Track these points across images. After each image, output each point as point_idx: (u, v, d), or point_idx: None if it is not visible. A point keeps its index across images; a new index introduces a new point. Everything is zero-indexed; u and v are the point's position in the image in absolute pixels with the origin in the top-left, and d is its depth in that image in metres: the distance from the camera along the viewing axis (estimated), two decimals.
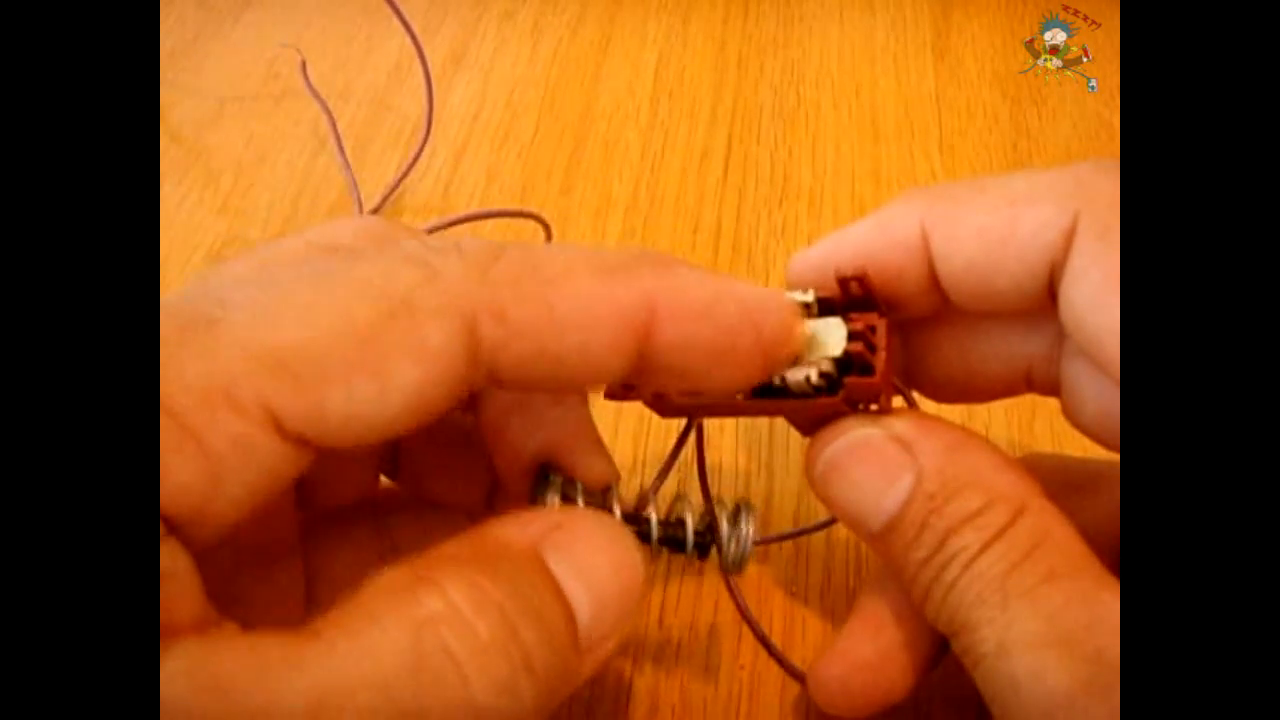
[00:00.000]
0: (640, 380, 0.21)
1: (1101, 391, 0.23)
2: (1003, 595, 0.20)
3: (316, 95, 0.46)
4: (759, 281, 0.39)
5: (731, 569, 0.25)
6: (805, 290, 0.23)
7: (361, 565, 0.18)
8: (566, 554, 0.19)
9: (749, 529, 0.24)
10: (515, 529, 0.19)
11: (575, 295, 0.19)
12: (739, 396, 0.23)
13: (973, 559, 0.20)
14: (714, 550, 0.24)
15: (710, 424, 0.34)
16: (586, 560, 0.19)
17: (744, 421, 0.34)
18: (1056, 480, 0.23)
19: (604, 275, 0.20)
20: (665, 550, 0.24)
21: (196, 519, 0.17)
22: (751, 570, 0.30)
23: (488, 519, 0.20)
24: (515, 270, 0.19)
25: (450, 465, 0.26)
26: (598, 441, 0.24)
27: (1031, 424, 0.34)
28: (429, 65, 0.44)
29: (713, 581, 0.30)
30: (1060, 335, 0.23)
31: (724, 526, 0.24)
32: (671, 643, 0.29)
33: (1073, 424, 0.24)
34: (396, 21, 0.44)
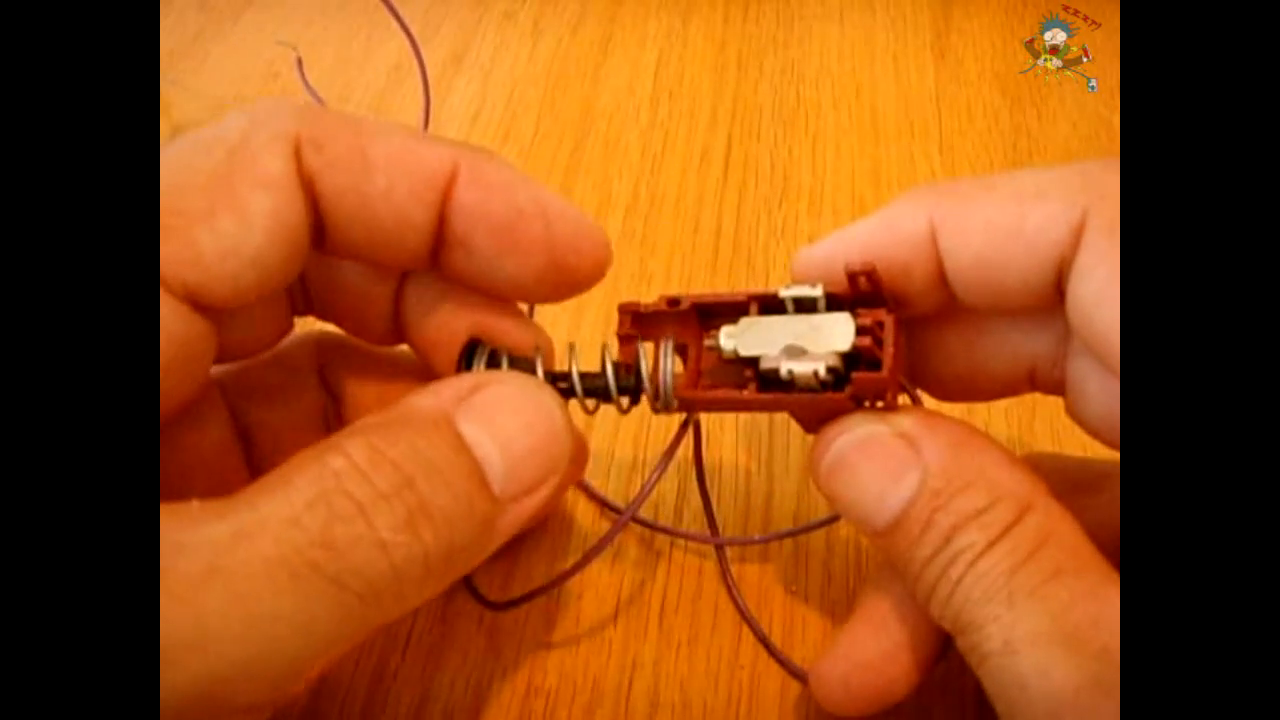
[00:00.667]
0: (443, 263, 0.23)
1: (1106, 389, 0.23)
2: (1008, 593, 0.20)
3: (313, 93, 0.46)
4: (759, 282, 0.39)
5: (657, 406, 0.24)
6: (814, 285, 0.23)
7: (303, 427, 0.21)
8: (478, 415, 0.21)
9: (668, 361, 0.24)
10: (430, 397, 0.21)
11: (387, 144, 0.22)
12: (745, 390, 0.23)
13: (978, 556, 0.20)
14: (643, 395, 0.24)
15: (710, 423, 0.34)
16: (497, 420, 0.21)
17: (744, 420, 0.34)
18: (1058, 480, 0.23)
19: (415, 138, 0.22)
20: (597, 401, 0.24)
21: None
22: (752, 570, 0.30)
23: (413, 389, 0.22)
24: (335, 118, 0.22)
25: (354, 301, 0.26)
26: (521, 314, 0.26)
27: (1032, 423, 0.34)
28: (426, 66, 0.44)
29: (713, 581, 0.30)
30: (1065, 334, 0.23)
31: (645, 366, 0.24)
32: (671, 643, 0.29)
33: (1077, 422, 0.24)
34: (395, 22, 0.44)
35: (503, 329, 0.25)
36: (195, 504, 0.18)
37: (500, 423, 0.21)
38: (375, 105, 0.47)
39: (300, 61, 0.47)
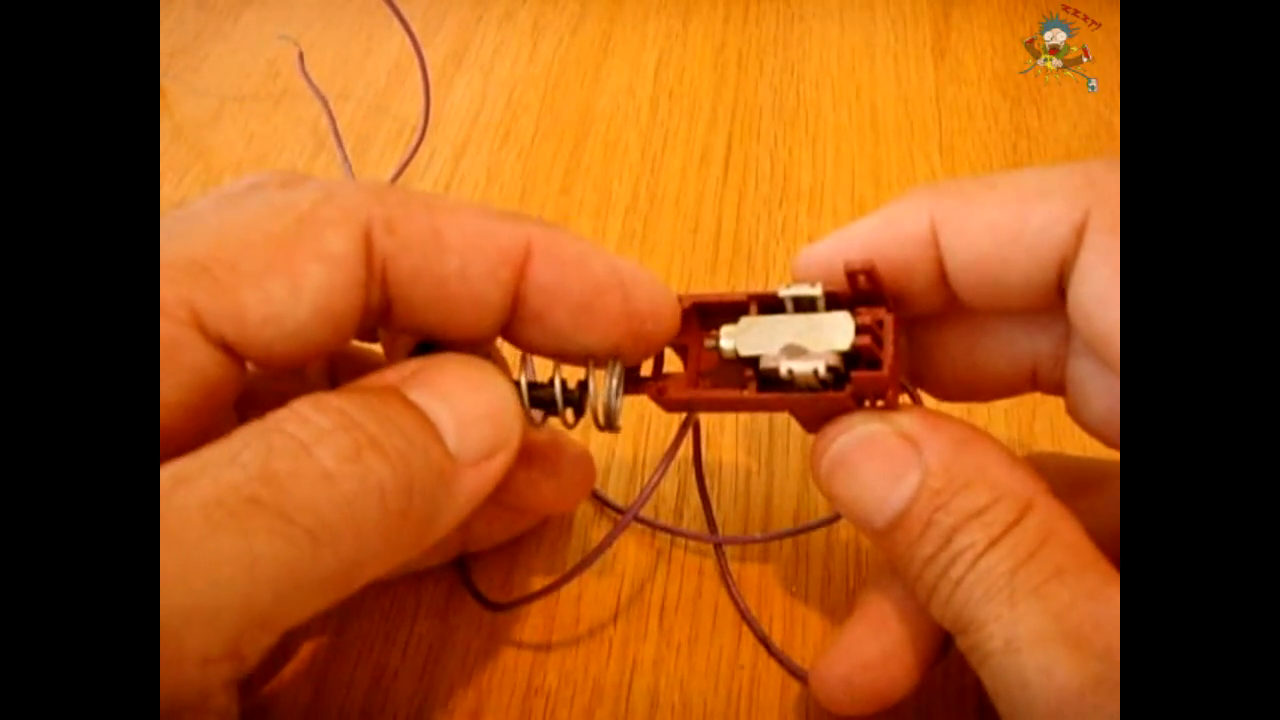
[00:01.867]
0: (515, 333, 0.23)
1: (1108, 390, 0.23)
2: (1010, 592, 0.20)
3: (315, 89, 0.46)
4: (759, 282, 0.39)
5: (601, 423, 0.24)
6: (813, 284, 0.23)
7: None
8: (426, 385, 0.21)
9: (615, 381, 0.24)
10: (375, 376, 0.21)
11: (459, 223, 0.21)
12: (745, 390, 0.23)
13: (979, 555, 0.20)
14: (588, 409, 0.24)
15: (710, 423, 0.34)
16: (446, 387, 0.21)
17: (744, 421, 0.34)
18: (1059, 479, 0.23)
19: (487, 216, 0.22)
20: (544, 413, 0.24)
21: None
22: (752, 570, 0.30)
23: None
24: (407, 196, 0.21)
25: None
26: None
27: (1032, 423, 0.34)
28: (427, 65, 0.44)
29: (713, 582, 0.30)
30: (1066, 334, 0.23)
31: (592, 382, 0.24)
32: (671, 643, 0.29)
33: (1078, 422, 0.24)
34: (396, 21, 0.44)
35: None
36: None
37: (447, 387, 0.21)
38: (376, 104, 0.47)
39: (301, 56, 0.47)
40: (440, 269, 0.21)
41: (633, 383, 0.24)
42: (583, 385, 0.24)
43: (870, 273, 0.22)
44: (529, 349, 0.24)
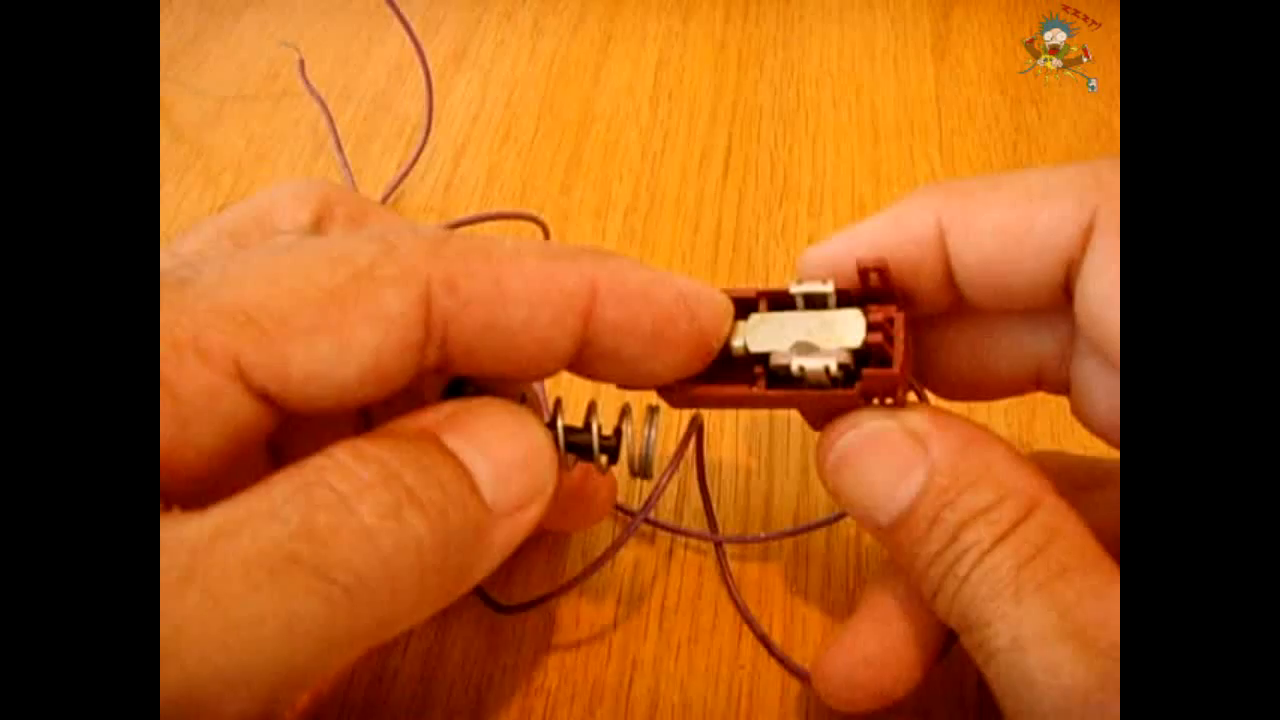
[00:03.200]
0: (581, 367, 0.22)
1: (1113, 390, 0.23)
2: (1015, 590, 0.20)
3: (316, 94, 0.46)
4: (759, 282, 0.39)
5: (636, 470, 0.24)
6: (825, 281, 0.23)
7: None
8: (461, 431, 0.20)
9: (653, 431, 0.24)
10: (410, 419, 0.21)
11: (522, 272, 0.20)
12: (754, 387, 0.23)
13: (985, 553, 0.20)
14: (623, 455, 0.24)
15: (711, 422, 0.34)
16: (482, 434, 0.20)
17: (744, 421, 0.34)
18: (1061, 479, 0.23)
19: (549, 258, 0.21)
20: (577, 458, 0.24)
21: (169, 469, 0.18)
22: (752, 570, 0.30)
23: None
24: (466, 248, 0.20)
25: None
26: None
27: (1032, 423, 0.34)
28: (429, 65, 0.44)
29: (713, 581, 0.30)
30: (1072, 334, 0.23)
31: (628, 429, 0.24)
32: (671, 643, 0.29)
33: (1082, 422, 0.24)
34: (396, 21, 0.44)
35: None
36: (177, 510, 0.17)
37: (483, 435, 0.20)
38: (376, 104, 0.47)
39: (302, 63, 0.47)
40: (505, 322, 0.20)
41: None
42: (618, 432, 0.24)
43: (882, 270, 0.22)
44: (596, 379, 0.23)
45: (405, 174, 0.43)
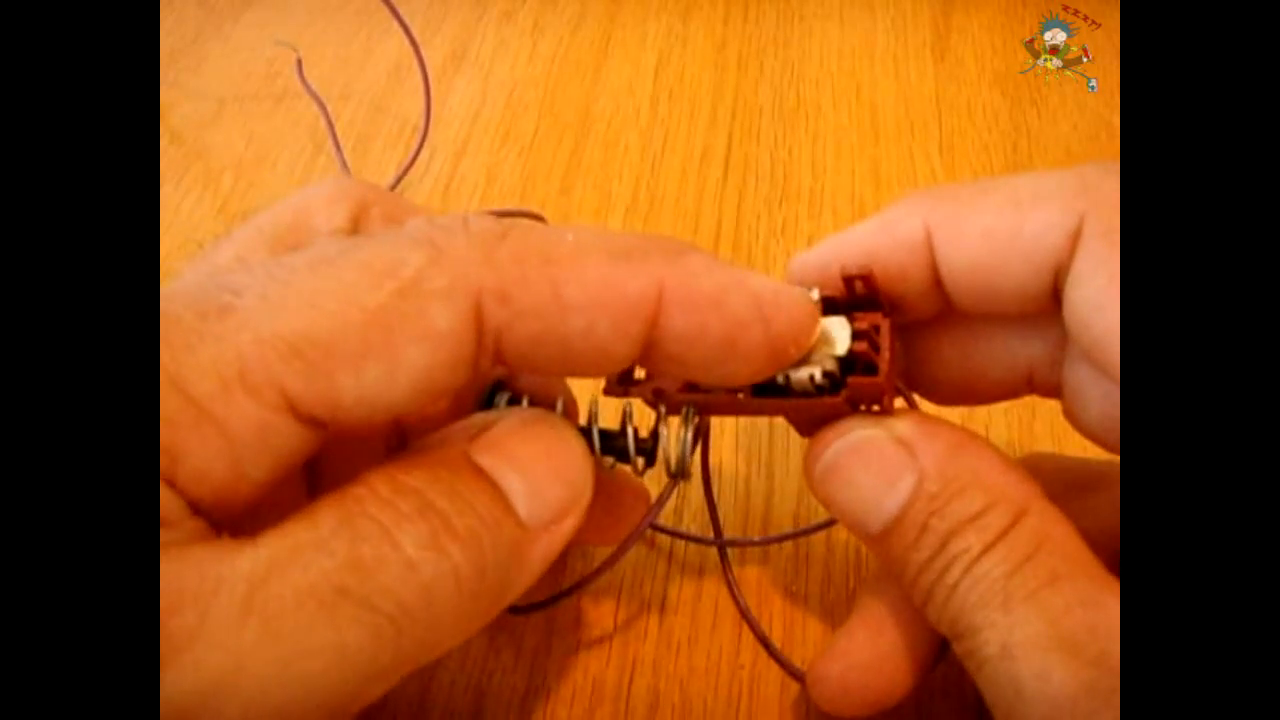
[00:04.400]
0: (646, 369, 0.22)
1: (1104, 394, 0.23)
2: (1005, 597, 0.20)
3: (314, 94, 0.46)
4: None
5: (674, 472, 0.24)
6: (810, 289, 0.23)
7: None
8: (495, 448, 0.20)
9: (690, 433, 0.24)
10: (445, 435, 0.21)
11: (582, 279, 0.19)
12: (740, 394, 0.23)
13: (974, 561, 0.20)
14: (660, 457, 0.24)
15: (711, 424, 0.34)
16: (516, 450, 0.20)
17: (744, 422, 0.34)
18: (1058, 481, 0.23)
19: (612, 260, 0.19)
20: (614, 460, 0.24)
21: (221, 503, 0.17)
22: (751, 570, 0.30)
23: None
24: (521, 250, 0.19)
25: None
26: None
27: (1031, 424, 0.34)
28: (427, 65, 0.44)
29: (713, 582, 0.30)
30: (1062, 338, 0.23)
31: (664, 431, 0.24)
32: (671, 643, 0.29)
33: (1075, 426, 0.24)
34: (396, 21, 0.44)
35: (528, 380, 0.25)
36: (226, 539, 0.17)
37: (516, 451, 0.20)
38: (375, 105, 0.47)
39: (300, 63, 0.47)
40: (562, 331, 0.19)
41: (627, 384, 0.24)
42: (655, 435, 0.24)
43: (867, 278, 0.22)
44: (660, 375, 0.23)
45: (404, 174, 0.43)
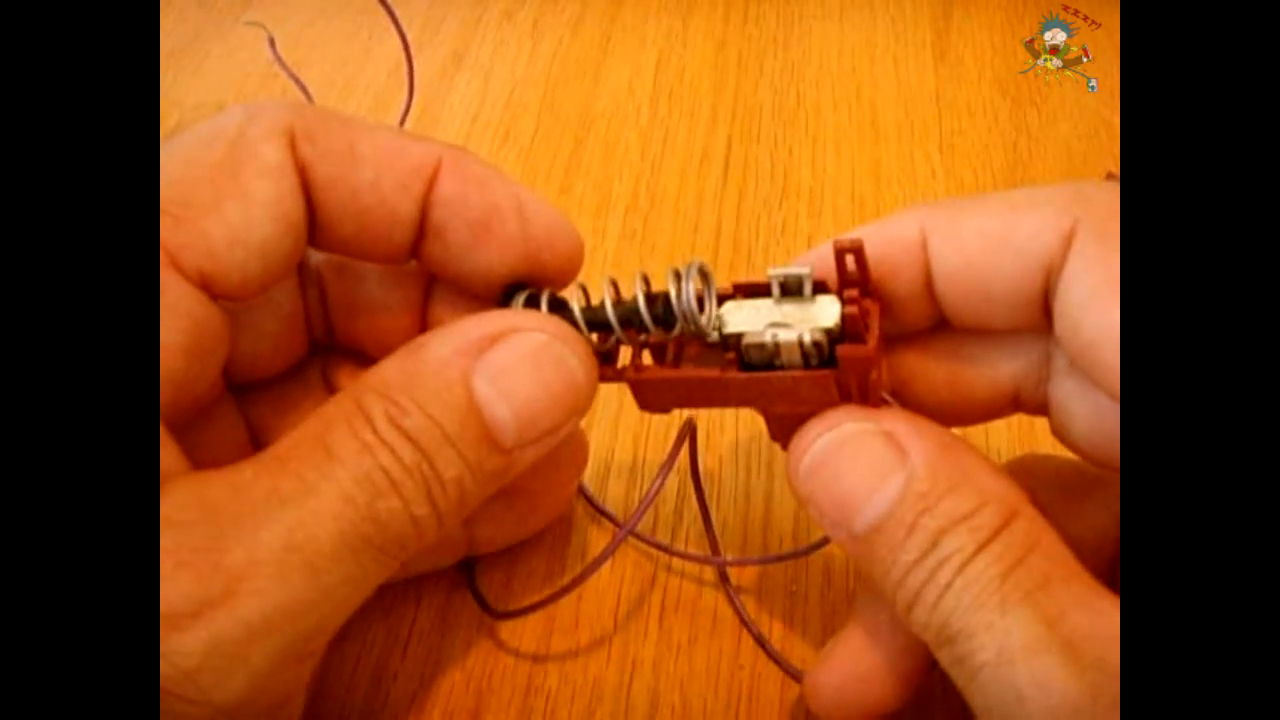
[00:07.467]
0: (420, 252, 0.24)
1: (1091, 409, 0.23)
2: (1001, 599, 0.19)
3: (295, 78, 0.46)
4: None
5: (701, 330, 0.23)
6: (801, 265, 0.22)
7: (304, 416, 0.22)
8: (494, 373, 0.21)
9: (700, 285, 0.23)
10: (447, 346, 0.22)
11: (374, 139, 0.23)
12: (722, 370, 0.23)
13: (967, 561, 0.20)
14: (677, 319, 0.23)
15: (710, 426, 0.34)
16: (513, 378, 0.22)
17: (744, 424, 0.34)
18: (1053, 484, 0.23)
19: (401, 135, 0.24)
20: (642, 335, 0.24)
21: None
22: (751, 572, 0.30)
23: (436, 329, 0.22)
24: (324, 112, 0.23)
25: (380, 320, 0.27)
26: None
27: (1032, 425, 0.34)
28: (416, 67, 0.44)
29: (712, 583, 0.30)
30: (1048, 355, 0.23)
31: (674, 288, 0.23)
32: (671, 643, 0.29)
33: (1062, 442, 0.24)
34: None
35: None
36: (248, 469, 0.20)
37: (516, 382, 0.22)
38: (375, 105, 0.47)
39: (273, 42, 0.47)
40: (355, 179, 0.23)
41: (606, 370, 0.24)
42: (667, 299, 0.23)
43: (859, 252, 0.22)
44: (438, 272, 0.25)
45: None
